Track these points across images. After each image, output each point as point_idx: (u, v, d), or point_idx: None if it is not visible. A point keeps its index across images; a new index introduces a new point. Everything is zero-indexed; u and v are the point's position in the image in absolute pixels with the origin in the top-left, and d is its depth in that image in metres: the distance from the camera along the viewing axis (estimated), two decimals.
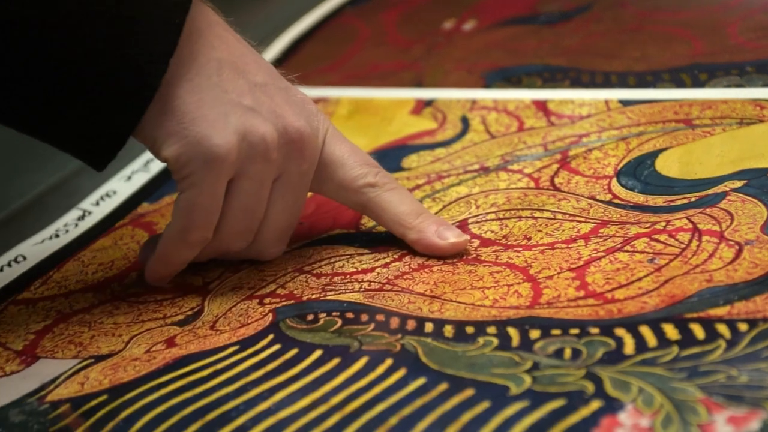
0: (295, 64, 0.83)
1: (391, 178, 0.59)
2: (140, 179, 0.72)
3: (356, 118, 0.73)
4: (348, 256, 0.59)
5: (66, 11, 0.51)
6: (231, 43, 0.55)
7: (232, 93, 0.54)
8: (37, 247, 0.66)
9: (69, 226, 0.68)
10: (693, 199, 0.55)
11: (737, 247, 0.51)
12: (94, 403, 0.51)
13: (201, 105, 0.53)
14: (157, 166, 0.73)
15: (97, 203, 0.70)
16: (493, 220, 0.58)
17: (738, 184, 0.55)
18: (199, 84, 0.54)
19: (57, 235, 0.67)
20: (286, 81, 0.57)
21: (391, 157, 0.67)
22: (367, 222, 0.61)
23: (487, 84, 0.73)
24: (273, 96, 0.56)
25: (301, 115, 0.56)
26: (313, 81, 0.79)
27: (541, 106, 0.68)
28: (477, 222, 0.59)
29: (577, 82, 0.70)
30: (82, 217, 0.69)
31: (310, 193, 0.63)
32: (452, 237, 0.56)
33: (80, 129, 0.54)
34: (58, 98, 0.53)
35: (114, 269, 0.63)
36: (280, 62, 0.83)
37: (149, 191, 0.71)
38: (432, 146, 0.68)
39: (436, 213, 0.60)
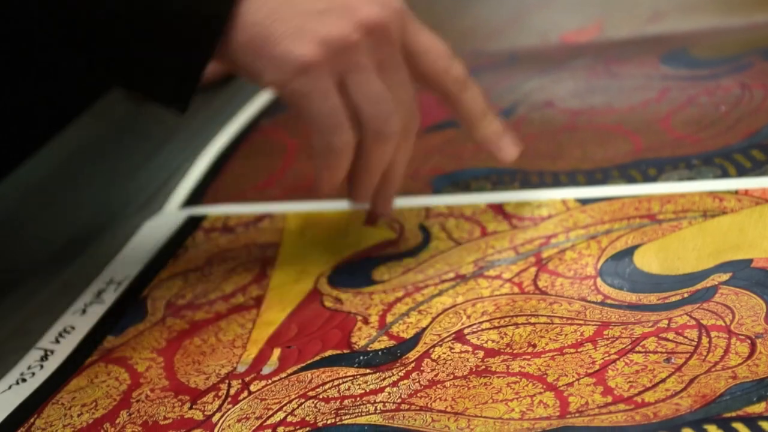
0: (225, 183, 0.82)
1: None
2: (96, 311, 0.70)
3: (309, 234, 0.73)
4: (351, 378, 0.59)
5: None
6: None
7: (302, 3, 0.61)
8: (5, 395, 0.64)
9: (33, 368, 0.66)
10: (686, 295, 0.58)
11: (749, 341, 0.53)
12: None
13: (277, 24, 0.60)
14: (111, 297, 0.72)
15: (57, 341, 0.68)
16: (489, 329, 0.60)
17: (724, 277, 0.58)
18: (272, 6, 0.61)
19: (24, 380, 0.65)
20: None
21: (359, 270, 0.68)
22: (359, 340, 0.62)
23: (436, 190, 0.74)
24: None
25: (375, 2, 0.62)
26: (253, 197, 0.79)
27: (498, 209, 0.70)
28: (474, 332, 0.60)
29: (526, 184, 0.72)
30: (45, 357, 0.67)
31: (293, 305, 0.65)
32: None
33: (162, 64, 0.62)
34: (138, 36, 0.61)
35: (100, 409, 0.61)
36: (206, 185, 0.83)
37: (110, 324, 0.69)
38: (398, 256, 0.68)
39: (426, 327, 0.61)
